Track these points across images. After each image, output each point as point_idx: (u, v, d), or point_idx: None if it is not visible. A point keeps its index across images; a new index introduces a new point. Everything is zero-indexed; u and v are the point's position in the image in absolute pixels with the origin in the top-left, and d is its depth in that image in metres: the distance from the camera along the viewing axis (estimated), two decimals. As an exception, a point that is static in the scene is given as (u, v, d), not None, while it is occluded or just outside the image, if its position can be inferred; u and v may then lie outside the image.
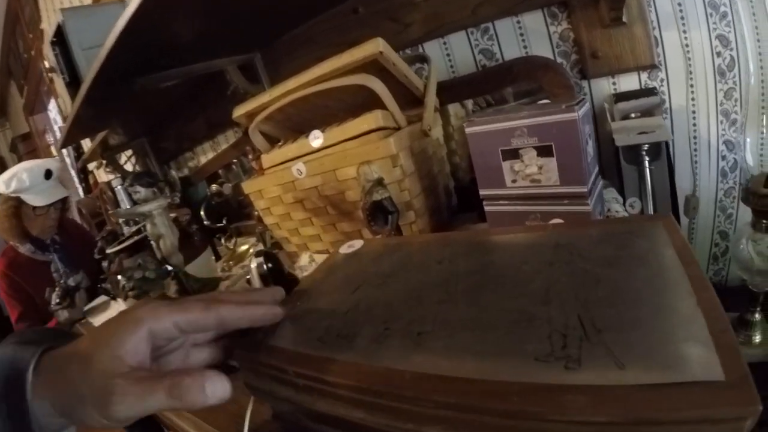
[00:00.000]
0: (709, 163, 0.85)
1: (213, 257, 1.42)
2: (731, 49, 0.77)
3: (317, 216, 0.87)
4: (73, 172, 3.55)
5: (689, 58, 0.79)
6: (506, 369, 0.27)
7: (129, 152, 2.31)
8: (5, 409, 0.32)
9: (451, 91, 0.97)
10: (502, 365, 0.28)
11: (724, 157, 0.84)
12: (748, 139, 0.63)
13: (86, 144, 2.45)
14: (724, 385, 0.22)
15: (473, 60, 0.98)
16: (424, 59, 0.95)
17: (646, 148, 0.75)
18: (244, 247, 1.39)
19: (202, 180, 1.94)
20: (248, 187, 0.95)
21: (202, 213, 1.45)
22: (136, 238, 1.09)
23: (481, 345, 0.30)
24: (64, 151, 3.43)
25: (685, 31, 0.78)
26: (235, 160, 1.66)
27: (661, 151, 0.76)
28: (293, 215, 0.91)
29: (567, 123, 0.55)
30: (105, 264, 1.20)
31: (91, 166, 2.86)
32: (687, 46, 0.78)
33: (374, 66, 0.75)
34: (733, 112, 0.81)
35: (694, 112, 0.82)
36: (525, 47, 0.91)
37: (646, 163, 0.76)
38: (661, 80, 0.82)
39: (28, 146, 4.79)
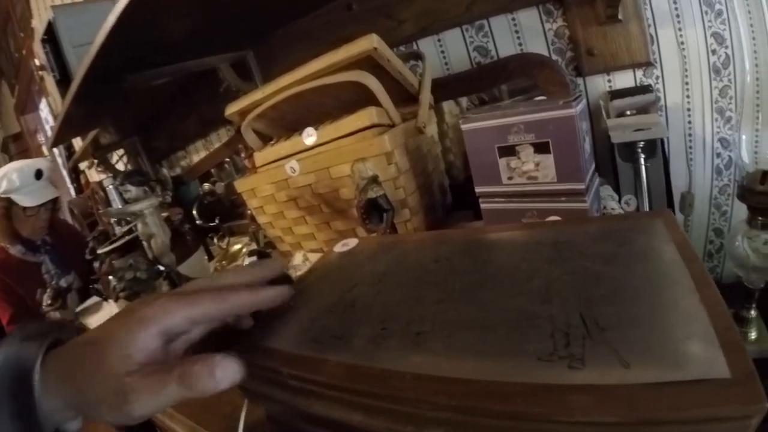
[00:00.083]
0: (704, 161, 0.85)
1: (205, 257, 1.41)
2: (726, 47, 0.77)
3: (311, 214, 0.87)
4: (64, 172, 3.52)
5: (684, 56, 0.79)
6: (508, 369, 0.26)
7: (121, 151, 2.29)
8: (13, 406, 0.31)
9: (445, 88, 0.96)
10: (504, 365, 0.27)
11: (718, 155, 0.84)
12: (743, 137, 0.63)
13: (78, 143, 2.43)
14: (730, 382, 0.22)
15: (468, 57, 0.97)
16: (418, 56, 0.95)
17: (641, 146, 0.75)
18: (237, 247, 1.38)
19: (195, 179, 1.92)
20: (241, 185, 0.94)
21: (194, 212, 1.44)
22: (127, 238, 1.08)
23: (482, 345, 0.29)
24: (56, 150, 3.40)
25: (680, 29, 0.78)
26: (227, 159, 1.65)
27: (656, 148, 0.76)
28: (286, 214, 0.90)
29: (564, 119, 0.54)
30: (96, 264, 1.19)
31: (83, 165, 2.83)
32: (682, 43, 0.78)
33: (368, 62, 0.75)
34: (728, 109, 0.81)
35: (689, 109, 0.82)
36: (520, 44, 0.91)
37: (642, 161, 0.76)
38: (657, 78, 0.82)
39: (19, 146, 4.74)
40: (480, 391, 0.26)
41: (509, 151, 0.60)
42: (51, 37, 1.09)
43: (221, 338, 0.41)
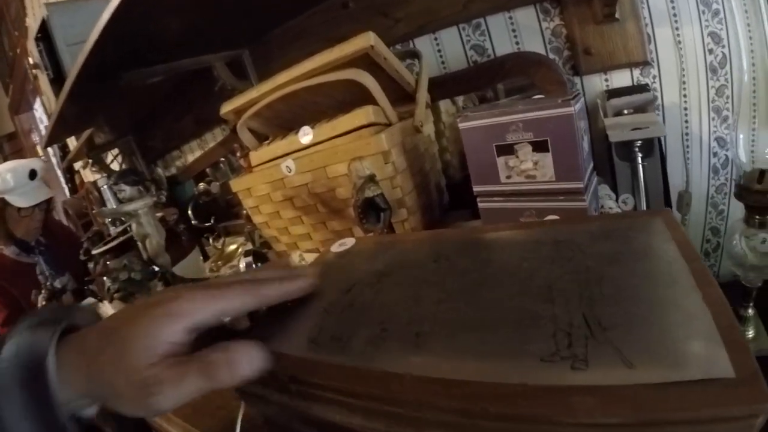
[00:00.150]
0: (700, 160, 0.85)
1: (201, 257, 1.40)
2: (723, 47, 0.78)
3: (307, 214, 0.86)
4: (59, 172, 3.49)
5: (681, 55, 0.79)
6: (510, 370, 0.26)
7: (115, 151, 2.27)
8: (28, 399, 0.30)
9: (442, 87, 0.96)
10: (507, 366, 0.26)
11: (715, 154, 0.84)
12: (740, 136, 0.63)
13: (72, 143, 2.41)
14: (734, 382, 0.21)
15: (464, 56, 0.97)
16: (414, 55, 0.94)
17: (638, 145, 0.75)
18: (232, 247, 1.37)
19: (190, 179, 1.91)
20: (236, 185, 0.93)
21: (189, 212, 1.43)
22: (121, 238, 1.07)
23: (483, 345, 0.29)
24: (50, 150, 3.37)
25: (677, 28, 0.78)
26: (222, 158, 1.64)
27: (653, 147, 0.76)
28: (282, 214, 0.90)
29: (563, 118, 0.54)
30: (91, 265, 1.18)
31: (77, 165, 2.81)
32: (679, 43, 0.78)
33: (365, 61, 0.74)
34: (725, 108, 0.81)
35: (686, 108, 0.82)
36: (517, 43, 0.91)
37: (639, 160, 0.76)
38: (654, 77, 0.82)
39: (13, 146, 4.70)
40: (482, 392, 0.25)
41: (507, 149, 0.60)
42: (45, 35, 1.08)
43: (216, 339, 0.40)
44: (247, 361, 0.30)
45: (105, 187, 1.65)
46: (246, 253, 1.01)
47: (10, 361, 0.30)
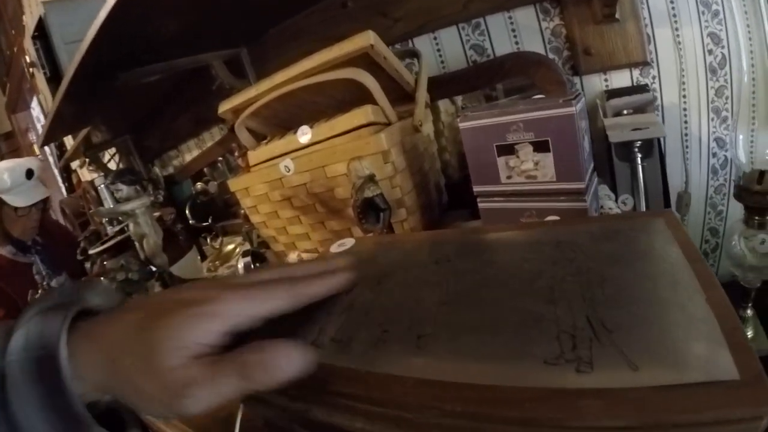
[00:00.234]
0: (699, 160, 0.85)
1: (198, 257, 1.40)
2: (723, 47, 0.78)
3: (305, 214, 0.86)
4: (55, 171, 3.48)
5: (681, 56, 0.79)
6: (515, 373, 0.26)
7: (112, 150, 2.26)
8: (42, 391, 0.28)
9: (441, 86, 0.96)
10: (511, 369, 0.26)
11: (714, 155, 0.84)
12: (740, 136, 0.63)
13: (69, 142, 2.40)
14: (739, 384, 0.21)
15: (464, 56, 0.97)
16: (414, 54, 0.94)
17: (638, 145, 0.75)
18: (230, 247, 1.37)
19: (187, 178, 1.90)
20: (234, 184, 0.93)
21: (187, 212, 1.43)
22: (119, 238, 1.06)
23: (486, 347, 0.29)
24: (47, 149, 3.36)
25: (677, 29, 0.78)
26: (220, 158, 1.64)
27: (653, 148, 0.76)
28: (281, 213, 0.89)
29: (564, 118, 0.54)
30: (88, 265, 1.18)
31: (74, 164, 2.80)
32: (679, 43, 0.78)
33: (364, 60, 0.74)
34: (724, 109, 0.81)
35: (685, 109, 0.82)
36: (516, 43, 0.90)
37: (639, 160, 0.76)
38: (653, 77, 0.82)
39: (10, 145, 4.68)
40: (486, 396, 0.25)
41: (508, 149, 0.59)
42: (42, 33, 1.07)
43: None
44: (286, 363, 0.29)
45: (102, 186, 1.64)
46: (244, 253, 1.00)
47: (20, 354, 0.29)
